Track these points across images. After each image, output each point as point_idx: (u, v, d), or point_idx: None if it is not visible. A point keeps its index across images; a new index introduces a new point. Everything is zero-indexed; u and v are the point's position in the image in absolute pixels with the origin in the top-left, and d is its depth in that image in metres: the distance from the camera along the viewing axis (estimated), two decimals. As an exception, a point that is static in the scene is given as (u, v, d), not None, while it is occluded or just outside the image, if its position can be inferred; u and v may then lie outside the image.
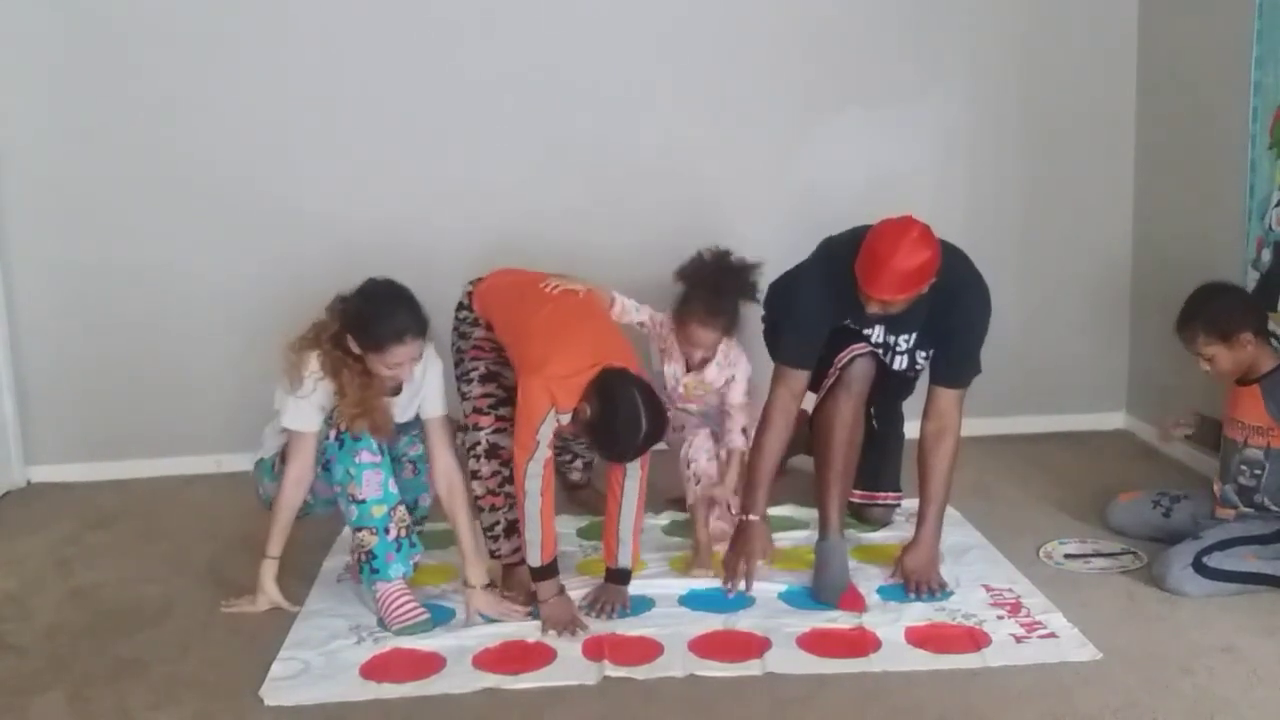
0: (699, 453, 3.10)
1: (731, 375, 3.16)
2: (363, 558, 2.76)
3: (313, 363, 2.73)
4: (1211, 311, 2.93)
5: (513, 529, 2.87)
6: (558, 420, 2.68)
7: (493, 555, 2.93)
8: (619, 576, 2.85)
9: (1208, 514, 3.03)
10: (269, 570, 2.86)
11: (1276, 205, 3.27)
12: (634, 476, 2.79)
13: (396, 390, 2.83)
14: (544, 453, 2.67)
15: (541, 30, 3.94)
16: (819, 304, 2.91)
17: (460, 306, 3.12)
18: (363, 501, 2.73)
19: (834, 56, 4.02)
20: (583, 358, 2.68)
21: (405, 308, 2.72)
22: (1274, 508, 2.90)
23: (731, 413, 3.17)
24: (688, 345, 3.11)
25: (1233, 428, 2.97)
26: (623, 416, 2.61)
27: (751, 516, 2.91)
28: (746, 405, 3.17)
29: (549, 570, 2.76)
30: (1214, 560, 2.80)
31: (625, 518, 2.80)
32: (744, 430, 3.13)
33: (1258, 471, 2.90)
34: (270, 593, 2.87)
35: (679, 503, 3.36)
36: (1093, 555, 3.09)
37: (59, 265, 3.95)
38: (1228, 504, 2.98)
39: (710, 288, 3.05)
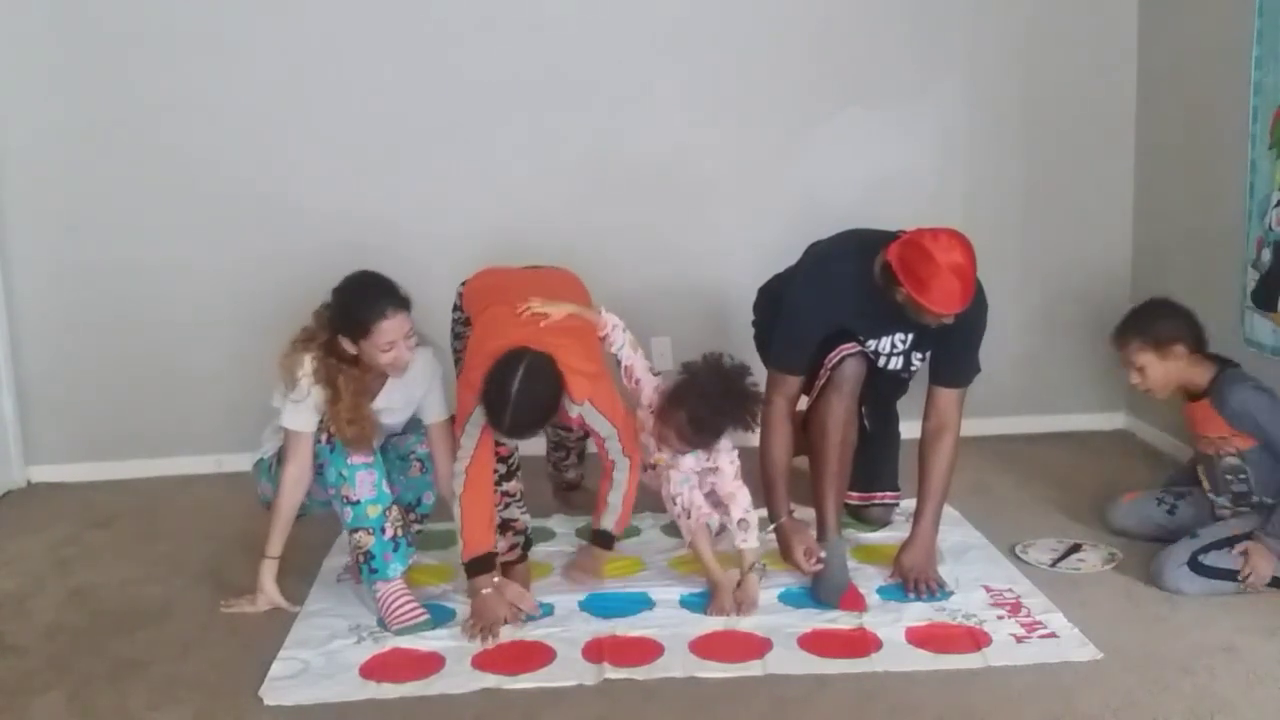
0: (680, 485, 2.88)
1: (711, 466, 2.89)
2: (361, 558, 2.77)
3: (306, 364, 2.74)
4: (1147, 320, 2.98)
5: (506, 526, 2.89)
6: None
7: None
8: (602, 539, 2.89)
9: (1210, 514, 3.03)
10: (269, 570, 2.87)
11: (1276, 205, 3.26)
12: (623, 469, 2.85)
13: (381, 383, 2.82)
14: (469, 451, 2.71)
15: (541, 30, 3.94)
16: (813, 311, 2.93)
17: (455, 308, 3.15)
18: (357, 503, 2.73)
19: (834, 56, 4.02)
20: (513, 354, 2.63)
21: (378, 287, 2.72)
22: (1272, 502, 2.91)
23: (728, 505, 2.89)
24: (662, 443, 2.86)
25: (1203, 444, 3.00)
26: (495, 382, 2.56)
27: (784, 520, 2.97)
28: (741, 489, 2.90)
29: (476, 566, 2.75)
30: (1210, 559, 2.80)
31: (616, 491, 2.85)
32: (742, 522, 2.87)
33: (1243, 475, 2.92)
34: (270, 593, 2.87)
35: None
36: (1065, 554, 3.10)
37: (59, 265, 3.96)
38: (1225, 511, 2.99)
39: (710, 407, 2.76)
